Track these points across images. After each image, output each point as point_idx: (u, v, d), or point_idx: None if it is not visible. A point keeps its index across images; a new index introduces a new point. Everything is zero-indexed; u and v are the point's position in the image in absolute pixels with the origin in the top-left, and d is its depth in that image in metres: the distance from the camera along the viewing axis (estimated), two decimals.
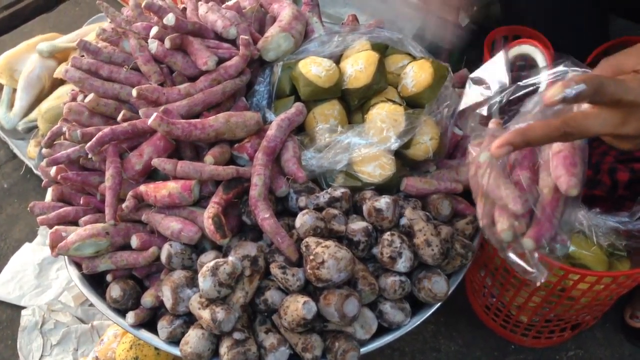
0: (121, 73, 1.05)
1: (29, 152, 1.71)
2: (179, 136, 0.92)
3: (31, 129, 1.73)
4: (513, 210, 0.68)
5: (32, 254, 1.58)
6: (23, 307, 1.47)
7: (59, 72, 1.73)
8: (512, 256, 0.73)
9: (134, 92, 0.97)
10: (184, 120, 0.93)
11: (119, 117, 0.98)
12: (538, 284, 0.74)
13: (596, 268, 1.05)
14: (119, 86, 1.04)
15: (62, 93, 1.69)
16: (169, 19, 1.01)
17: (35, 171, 1.71)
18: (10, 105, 1.77)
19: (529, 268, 0.71)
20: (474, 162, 0.74)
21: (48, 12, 2.35)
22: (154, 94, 0.99)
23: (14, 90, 1.77)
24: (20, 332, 1.41)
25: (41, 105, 1.69)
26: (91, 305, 1.45)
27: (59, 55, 1.79)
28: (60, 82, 1.77)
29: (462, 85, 1.16)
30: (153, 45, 1.03)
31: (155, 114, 0.90)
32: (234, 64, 1.04)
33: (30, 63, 1.76)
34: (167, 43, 1.02)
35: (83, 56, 1.08)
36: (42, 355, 1.37)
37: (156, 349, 1.15)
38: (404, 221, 0.92)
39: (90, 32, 1.85)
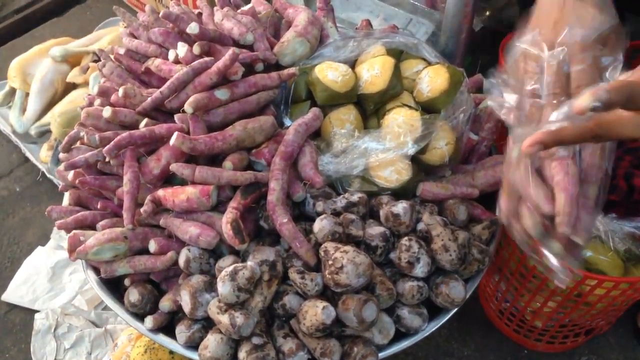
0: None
1: (42, 156, 1.72)
2: (203, 151, 0.92)
3: (44, 133, 1.74)
4: (544, 211, 0.68)
5: (45, 257, 1.58)
6: (36, 311, 1.47)
7: (72, 76, 1.75)
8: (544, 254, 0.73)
9: (189, 109, 0.95)
10: (204, 135, 0.93)
11: (142, 125, 0.98)
12: (564, 286, 0.74)
13: (612, 273, 1.04)
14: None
15: (75, 97, 1.70)
16: (192, 27, 1.01)
17: (48, 175, 1.71)
18: (23, 109, 1.78)
19: (555, 268, 0.71)
20: (509, 159, 0.73)
21: (58, 17, 2.36)
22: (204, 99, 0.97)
23: (27, 94, 1.79)
24: (33, 336, 1.42)
25: (54, 109, 1.70)
26: (105, 308, 1.45)
27: (71, 60, 1.80)
28: (72, 87, 1.78)
29: (477, 90, 1.16)
30: (182, 49, 1.02)
31: (176, 133, 0.90)
32: (274, 76, 1.04)
33: (43, 67, 1.77)
34: (196, 49, 1.01)
35: (96, 60, 1.08)
36: (55, 359, 1.38)
37: (171, 352, 1.16)
38: (421, 226, 0.92)
39: (102, 36, 1.86)
